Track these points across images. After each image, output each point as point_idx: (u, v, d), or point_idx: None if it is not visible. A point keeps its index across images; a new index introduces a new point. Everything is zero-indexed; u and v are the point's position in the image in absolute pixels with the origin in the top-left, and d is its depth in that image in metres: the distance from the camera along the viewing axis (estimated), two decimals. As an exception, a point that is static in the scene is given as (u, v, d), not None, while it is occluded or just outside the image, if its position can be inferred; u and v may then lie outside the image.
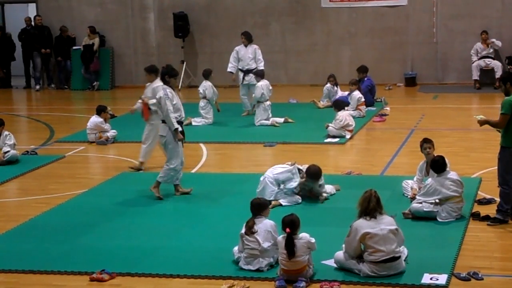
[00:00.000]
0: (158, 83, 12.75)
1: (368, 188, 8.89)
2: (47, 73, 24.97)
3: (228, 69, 18.83)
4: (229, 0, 23.77)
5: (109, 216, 11.18)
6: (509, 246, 9.68)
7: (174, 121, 11.60)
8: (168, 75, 11.84)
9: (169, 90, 11.70)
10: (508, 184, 10.25)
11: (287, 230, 8.54)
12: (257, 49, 18.73)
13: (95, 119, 16.28)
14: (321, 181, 11.44)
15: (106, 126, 16.30)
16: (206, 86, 17.76)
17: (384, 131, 16.88)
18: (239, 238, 9.05)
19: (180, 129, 11.71)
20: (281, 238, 8.68)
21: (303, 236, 8.64)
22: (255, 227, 8.92)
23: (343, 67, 22.82)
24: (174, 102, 11.69)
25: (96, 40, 23.97)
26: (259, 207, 9.13)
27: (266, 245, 8.86)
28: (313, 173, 11.33)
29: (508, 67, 21.41)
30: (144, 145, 13.65)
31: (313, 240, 8.67)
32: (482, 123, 10.42)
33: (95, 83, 24.16)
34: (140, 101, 13.71)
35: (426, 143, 11.34)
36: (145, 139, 13.62)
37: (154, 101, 12.67)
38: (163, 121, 11.73)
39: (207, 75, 17.92)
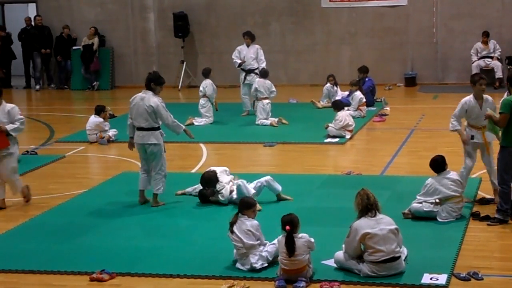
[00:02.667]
0: (10, 105, 11.57)
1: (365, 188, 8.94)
2: (47, 73, 24.98)
3: (235, 61, 18.74)
4: (229, 0, 23.78)
5: (109, 216, 11.18)
6: (509, 246, 9.68)
7: (178, 122, 11.51)
8: (154, 83, 11.44)
9: (157, 97, 11.38)
10: (507, 184, 10.27)
11: (287, 227, 8.55)
12: (259, 49, 18.74)
13: (94, 119, 16.30)
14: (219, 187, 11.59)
15: (106, 125, 16.33)
16: (206, 84, 17.80)
17: (384, 131, 16.88)
18: None
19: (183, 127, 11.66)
20: (281, 237, 8.68)
21: (303, 235, 8.66)
22: (234, 226, 8.96)
23: (343, 67, 22.84)
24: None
25: (96, 40, 23.98)
26: (246, 205, 9.15)
27: (249, 241, 8.88)
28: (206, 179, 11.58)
29: (508, 67, 21.42)
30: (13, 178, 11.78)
31: (312, 239, 8.69)
32: (487, 116, 10.44)
33: (95, 83, 24.17)
34: None
35: (483, 79, 11.10)
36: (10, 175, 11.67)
37: (15, 126, 11.40)
38: (152, 129, 11.29)
39: (206, 73, 17.96)
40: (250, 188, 11.31)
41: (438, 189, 10.44)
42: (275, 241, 8.86)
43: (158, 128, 11.40)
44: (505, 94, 10.99)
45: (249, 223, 9.01)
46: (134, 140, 11.51)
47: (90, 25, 24.10)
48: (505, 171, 10.26)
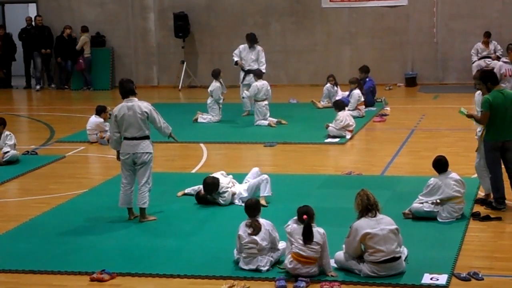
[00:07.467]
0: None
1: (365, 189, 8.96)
2: (47, 73, 24.98)
3: (234, 59, 18.75)
4: (229, 0, 23.78)
5: (109, 216, 11.17)
6: (509, 246, 9.68)
7: (167, 124, 11.05)
8: (135, 87, 11.09)
9: (145, 102, 11.01)
10: (494, 174, 10.78)
11: (304, 217, 8.62)
12: (260, 51, 18.73)
13: (95, 119, 16.30)
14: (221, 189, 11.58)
15: (106, 125, 16.32)
16: (214, 86, 17.95)
17: (384, 131, 16.89)
18: (236, 239, 9.07)
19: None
20: (297, 226, 8.70)
21: (320, 228, 8.75)
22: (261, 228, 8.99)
23: (343, 67, 22.83)
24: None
25: (82, 39, 23.92)
26: (256, 207, 9.19)
27: (264, 244, 8.91)
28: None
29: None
30: None
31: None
32: (469, 116, 10.99)
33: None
34: None
35: (474, 78, 11.90)
36: None
37: None
38: (145, 138, 10.76)
39: (215, 75, 18.04)
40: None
41: (442, 188, 10.44)
42: (287, 229, 8.80)
43: (149, 137, 10.84)
44: None
45: (266, 222, 9.05)
46: (122, 150, 10.86)
47: (90, 25, 24.11)
48: (491, 163, 10.76)
